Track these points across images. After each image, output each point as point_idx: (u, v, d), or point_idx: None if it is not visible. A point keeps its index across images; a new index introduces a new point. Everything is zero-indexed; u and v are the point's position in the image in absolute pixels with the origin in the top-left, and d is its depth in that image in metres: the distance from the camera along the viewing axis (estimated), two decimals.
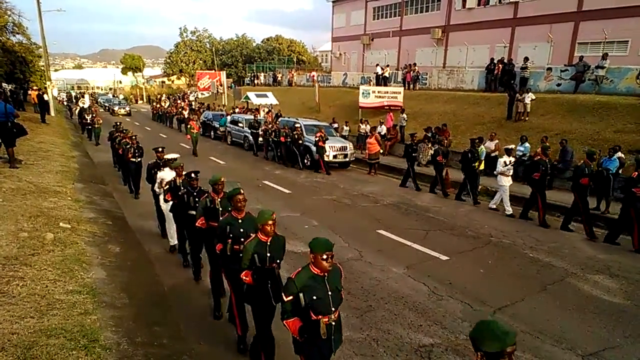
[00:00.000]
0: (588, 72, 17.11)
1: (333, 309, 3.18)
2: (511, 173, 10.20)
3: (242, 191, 4.50)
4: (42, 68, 29.39)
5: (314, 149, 15.35)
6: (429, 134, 15.77)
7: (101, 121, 20.86)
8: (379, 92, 21.57)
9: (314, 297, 3.08)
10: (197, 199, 5.76)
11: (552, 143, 12.83)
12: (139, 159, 10.56)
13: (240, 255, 4.25)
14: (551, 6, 22.58)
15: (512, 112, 16.64)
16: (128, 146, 10.72)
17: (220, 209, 5.20)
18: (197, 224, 5.24)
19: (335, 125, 18.51)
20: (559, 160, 12.29)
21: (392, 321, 5.25)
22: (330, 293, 3.15)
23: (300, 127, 16.32)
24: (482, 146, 11.66)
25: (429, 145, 15.08)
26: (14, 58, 25.90)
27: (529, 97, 15.98)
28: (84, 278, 5.08)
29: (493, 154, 13.40)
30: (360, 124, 18.77)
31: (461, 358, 4.56)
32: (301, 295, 3.07)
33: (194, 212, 5.67)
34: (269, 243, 3.91)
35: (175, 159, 6.98)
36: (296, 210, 10.11)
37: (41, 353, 3.49)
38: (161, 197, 7.08)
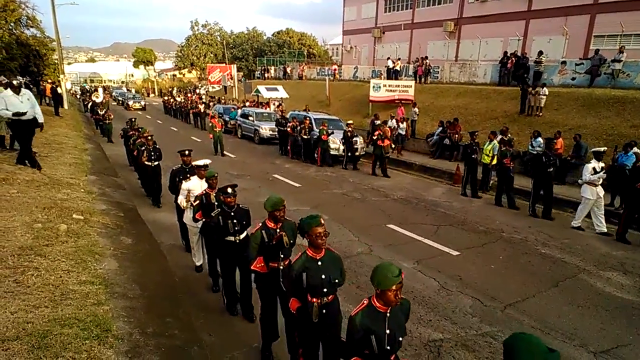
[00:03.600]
0: (604, 65, 16.79)
1: None
2: (600, 182, 8.71)
3: (322, 221, 3.30)
4: (56, 61, 29.75)
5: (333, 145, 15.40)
6: (504, 137, 12.05)
7: (112, 116, 19.86)
8: (389, 85, 21.46)
9: None
10: (234, 221, 4.72)
11: (565, 138, 12.65)
12: (156, 162, 9.43)
13: (321, 311, 3.30)
14: None
15: (526, 107, 16.41)
16: (143, 147, 9.60)
17: (290, 243, 3.99)
18: (253, 267, 4.09)
19: (378, 122, 17.35)
20: (572, 156, 12.18)
21: None
22: None
23: (352, 124, 15.38)
24: (494, 141, 11.48)
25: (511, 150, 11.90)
26: (28, 51, 26.23)
27: (543, 92, 15.74)
28: (96, 269, 5.15)
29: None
30: (376, 121, 18.20)
31: (470, 353, 4.54)
32: None
33: (232, 238, 4.79)
34: (389, 314, 2.59)
35: (206, 166, 5.85)
36: (306, 204, 10.11)
37: (55, 342, 3.54)
38: (186, 214, 6.07)
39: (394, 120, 17.56)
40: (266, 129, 20.17)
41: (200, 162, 5.94)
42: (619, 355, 4.61)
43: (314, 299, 3.32)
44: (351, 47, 39.66)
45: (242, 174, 12.71)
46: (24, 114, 8.15)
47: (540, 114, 15.85)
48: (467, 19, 28.14)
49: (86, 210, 7.24)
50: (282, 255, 4.05)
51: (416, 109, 18.38)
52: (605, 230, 8.67)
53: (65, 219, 6.48)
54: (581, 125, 14.15)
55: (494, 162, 11.40)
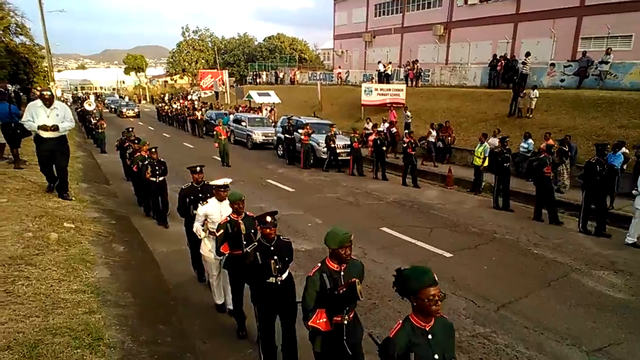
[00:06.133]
0: (592, 67, 17.02)
1: None
2: None
3: (436, 278, 2.42)
4: (46, 69, 29.59)
5: (320, 148, 15.49)
6: (564, 147, 11.17)
7: (105, 125, 18.92)
8: (381, 89, 21.57)
9: None
10: (275, 258, 3.70)
11: (555, 139, 12.76)
12: (161, 178, 8.43)
13: None
14: (554, 1, 22.47)
15: (514, 109, 16.55)
16: (146, 162, 8.52)
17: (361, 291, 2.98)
18: (312, 324, 3.07)
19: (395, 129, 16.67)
20: (559, 157, 12.28)
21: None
22: None
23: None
24: (485, 143, 11.58)
25: (566, 162, 11.23)
26: (17, 59, 26.02)
27: (534, 94, 15.89)
28: (88, 277, 5.10)
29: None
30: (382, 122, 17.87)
31: (465, 355, 4.55)
32: None
33: (272, 280, 3.75)
34: None
35: (226, 186, 4.94)
36: (299, 208, 10.11)
37: (46, 351, 3.50)
38: (205, 244, 5.15)
39: (386, 124, 17.62)
40: (259, 134, 20.21)
41: (220, 182, 4.98)
42: (611, 354, 4.64)
43: None
44: (342, 52, 39.86)
45: (235, 179, 12.66)
46: (48, 129, 7.25)
47: (531, 115, 16.00)
48: (457, 23, 28.41)
49: (77, 219, 7.18)
50: (347, 308, 3.10)
51: (408, 112, 18.47)
52: (635, 241, 7.98)
53: (56, 228, 6.41)
54: (570, 126, 14.31)
55: (485, 164, 11.51)
